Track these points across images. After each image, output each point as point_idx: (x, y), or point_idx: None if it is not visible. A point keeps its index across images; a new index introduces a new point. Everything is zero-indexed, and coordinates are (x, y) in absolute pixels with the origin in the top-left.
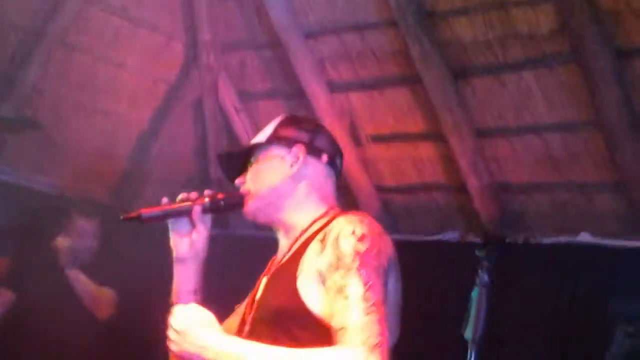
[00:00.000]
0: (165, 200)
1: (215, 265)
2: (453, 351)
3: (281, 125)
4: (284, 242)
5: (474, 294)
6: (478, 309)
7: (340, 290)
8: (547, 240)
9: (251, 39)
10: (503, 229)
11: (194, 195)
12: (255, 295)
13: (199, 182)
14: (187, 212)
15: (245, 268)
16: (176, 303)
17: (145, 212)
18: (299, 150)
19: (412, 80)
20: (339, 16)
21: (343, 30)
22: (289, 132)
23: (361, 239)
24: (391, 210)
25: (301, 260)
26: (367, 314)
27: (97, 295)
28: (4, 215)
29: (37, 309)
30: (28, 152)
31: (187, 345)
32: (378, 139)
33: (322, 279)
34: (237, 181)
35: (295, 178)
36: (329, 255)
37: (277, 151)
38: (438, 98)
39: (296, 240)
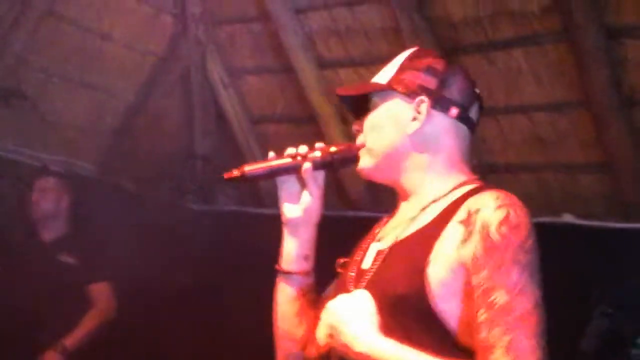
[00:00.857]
0: (271, 154)
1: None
2: None
3: (406, 64)
4: (405, 209)
5: None
6: None
7: (485, 294)
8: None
9: (241, 13)
10: None
11: (303, 149)
12: (360, 264)
13: (185, 157)
14: (295, 169)
15: (231, 244)
16: (284, 269)
17: (249, 169)
18: (422, 102)
19: None
20: None
21: (333, 5)
22: (414, 76)
23: (515, 228)
24: (374, 188)
25: (435, 244)
26: (515, 328)
27: (95, 321)
28: None
29: (16, 282)
30: (13, 124)
31: (335, 340)
32: None
33: (465, 274)
34: (354, 127)
35: (417, 137)
36: (474, 245)
37: (398, 100)
38: None
39: (424, 209)
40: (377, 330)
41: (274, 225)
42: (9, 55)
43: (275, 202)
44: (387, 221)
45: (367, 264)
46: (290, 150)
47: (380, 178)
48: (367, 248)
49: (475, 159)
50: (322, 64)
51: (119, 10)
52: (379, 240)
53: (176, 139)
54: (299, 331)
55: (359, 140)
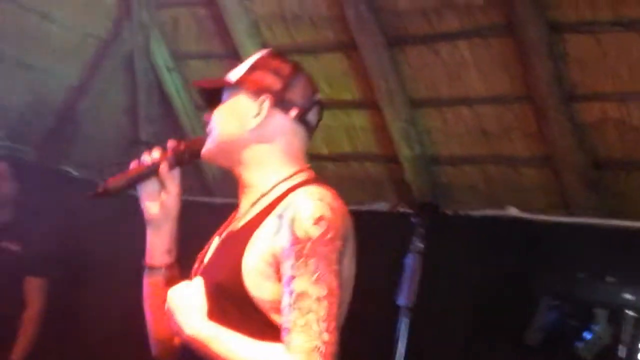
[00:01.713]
0: (132, 164)
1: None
2: (386, 317)
3: (257, 65)
4: (242, 202)
5: (408, 260)
6: (412, 276)
7: (287, 282)
8: (475, 213)
9: None
10: (433, 200)
11: (156, 152)
12: (204, 257)
13: (128, 141)
14: (153, 172)
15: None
16: (150, 264)
17: (112, 183)
18: (265, 100)
19: (347, 47)
20: None
21: None
22: (261, 76)
23: (317, 221)
24: (322, 179)
25: (254, 234)
26: (308, 312)
27: (35, 325)
28: None
29: None
30: None
31: (172, 317)
32: None
33: (276, 265)
34: (205, 117)
35: (256, 132)
36: (283, 238)
37: (244, 97)
38: (373, 65)
39: (254, 204)
40: (203, 316)
41: (221, 215)
42: None
43: (223, 191)
44: (233, 215)
45: (207, 256)
46: (146, 156)
47: (221, 163)
48: (212, 241)
49: (419, 149)
50: None
51: None
52: (220, 234)
53: (120, 124)
54: (167, 319)
55: (208, 129)
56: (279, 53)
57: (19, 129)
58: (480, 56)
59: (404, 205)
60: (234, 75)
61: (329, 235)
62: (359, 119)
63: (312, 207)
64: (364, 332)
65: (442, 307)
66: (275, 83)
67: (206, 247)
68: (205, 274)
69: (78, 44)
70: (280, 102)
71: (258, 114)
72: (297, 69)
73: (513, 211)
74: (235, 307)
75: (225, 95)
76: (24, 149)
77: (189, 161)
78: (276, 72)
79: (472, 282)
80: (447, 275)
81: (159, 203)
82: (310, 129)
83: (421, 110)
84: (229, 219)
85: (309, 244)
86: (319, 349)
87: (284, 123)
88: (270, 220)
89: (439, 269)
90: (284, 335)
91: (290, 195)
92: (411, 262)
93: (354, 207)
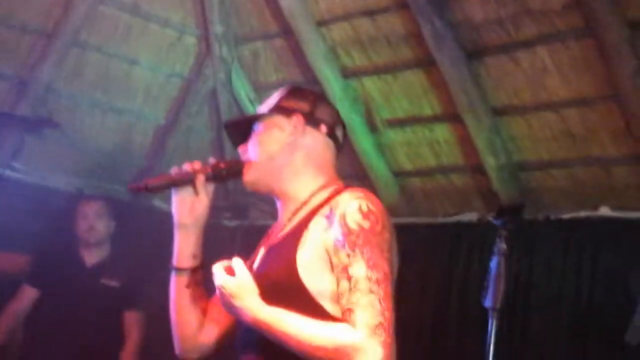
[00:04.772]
0: (173, 169)
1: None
2: (478, 321)
3: (284, 95)
4: (283, 213)
5: (493, 263)
6: (497, 278)
7: (344, 269)
8: (566, 216)
9: (263, 30)
10: (516, 202)
11: (197, 164)
12: (251, 267)
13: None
14: (191, 181)
15: None
16: (176, 266)
17: (151, 182)
18: (297, 119)
19: (425, 63)
20: (349, 1)
21: (354, 15)
22: (290, 103)
23: (366, 215)
24: (409, 194)
25: (303, 235)
26: (369, 293)
27: (134, 358)
28: (23, 214)
29: (59, 305)
30: (46, 151)
31: (231, 305)
32: (393, 123)
33: (329, 257)
34: (239, 149)
35: (293, 147)
36: (335, 232)
37: (277, 120)
38: (452, 79)
39: (296, 212)
40: (259, 298)
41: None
42: (39, 85)
43: None
44: (273, 229)
45: (255, 265)
46: (187, 165)
47: (262, 188)
48: (256, 253)
49: (504, 158)
50: (347, 75)
51: (143, 34)
52: (264, 246)
53: (207, 158)
54: (193, 317)
55: (245, 157)
56: (298, 86)
57: (111, 169)
58: (560, 60)
59: (492, 214)
60: (265, 107)
61: (378, 227)
62: (442, 132)
63: (360, 203)
64: (458, 335)
65: (536, 311)
66: (303, 105)
67: (252, 258)
68: (256, 278)
69: (163, 84)
70: (311, 120)
71: (292, 131)
72: (318, 94)
73: (606, 211)
74: (293, 301)
75: (258, 125)
76: (117, 188)
77: (225, 179)
78: (302, 98)
79: (566, 285)
80: (542, 280)
81: (190, 209)
82: (338, 144)
83: (504, 118)
84: (269, 233)
85: (361, 234)
86: (382, 325)
87: (317, 137)
88: (317, 220)
89: (533, 274)
90: (347, 315)
91: (336, 198)
92: (495, 264)
93: (442, 220)
